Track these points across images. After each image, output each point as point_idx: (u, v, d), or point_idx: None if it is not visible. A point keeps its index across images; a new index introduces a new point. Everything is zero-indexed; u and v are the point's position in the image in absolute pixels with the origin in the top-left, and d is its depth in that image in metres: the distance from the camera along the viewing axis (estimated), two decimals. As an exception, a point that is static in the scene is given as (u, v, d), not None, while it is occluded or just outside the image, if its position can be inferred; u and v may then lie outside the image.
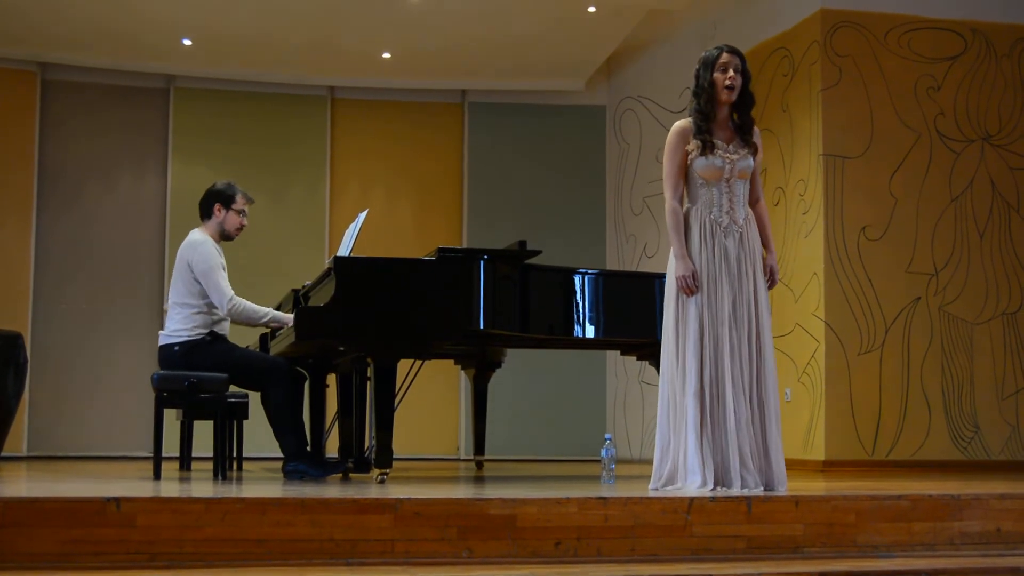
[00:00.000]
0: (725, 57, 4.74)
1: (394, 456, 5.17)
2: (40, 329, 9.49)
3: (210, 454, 5.71)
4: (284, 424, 5.57)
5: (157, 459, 5.41)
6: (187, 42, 9.33)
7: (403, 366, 5.44)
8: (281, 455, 5.63)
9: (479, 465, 7.26)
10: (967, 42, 8.06)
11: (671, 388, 4.66)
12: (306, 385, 6.11)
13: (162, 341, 5.74)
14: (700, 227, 4.71)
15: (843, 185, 7.75)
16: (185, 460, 6.48)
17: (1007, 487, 4.75)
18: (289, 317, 5.66)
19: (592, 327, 5.67)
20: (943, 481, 5.83)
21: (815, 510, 3.99)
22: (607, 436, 5.36)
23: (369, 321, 5.05)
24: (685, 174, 4.77)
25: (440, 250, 5.21)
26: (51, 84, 9.77)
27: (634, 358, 6.79)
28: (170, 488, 4.49)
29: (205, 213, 5.91)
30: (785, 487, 4.56)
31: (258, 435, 6.70)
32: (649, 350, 6.07)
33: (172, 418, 6.31)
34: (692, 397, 4.55)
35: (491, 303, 5.18)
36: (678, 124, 4.80)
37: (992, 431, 7.85)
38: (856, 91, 7.85)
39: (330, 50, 9.56)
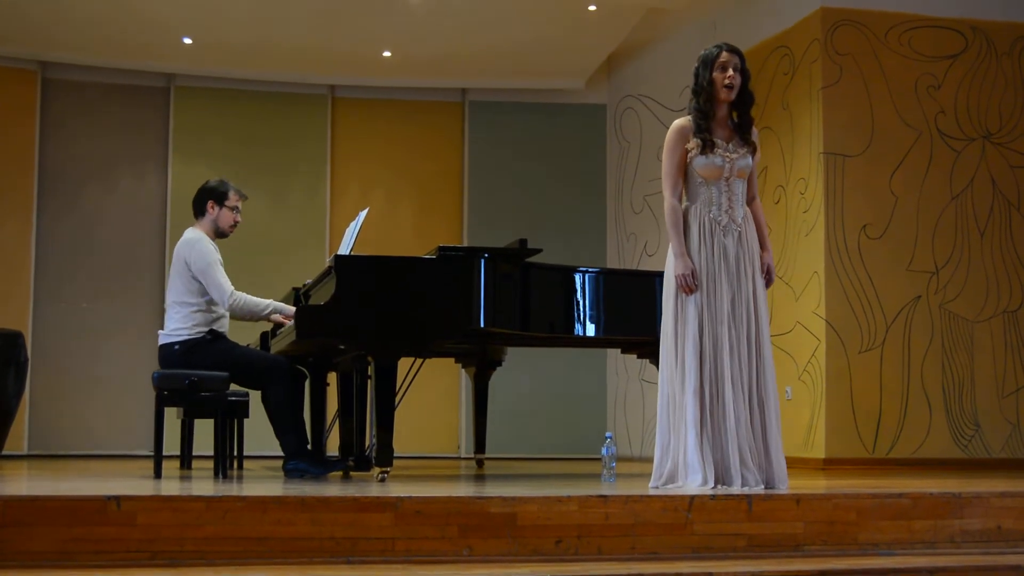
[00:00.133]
0: (724, 56, 4.74)
1: (395, 454, 5.17)
2: (40, 328, 9.48)
3: (211, 453, 5.71)
4: (284, 422, 5.57)
5: (158, 458, 5.41)
6: (188, 41, 9.33)
7: (404, 364, 5.43)
8: (282, 453, 5.63)
9: (480, 463, 7.26)
10: (967, 40, 8.06)
11: (670, 387, 4.66)
12: (307, 384, 6.11)
13: (162, 340, 5.74)
14: (699, 226, 4.71)
15: (844, 183, 7.75)
16: (186, 459, 6.48)
17: (1008, 485, 4.75)
18: (292, 309, 5.67)
19: (593, 325, 5.67)
20: (944, 479, 5.83)
21: (816, 508, 3.99)
22: (607, 434, 5.36)
23: (369, 319, 5.05)
24: (684, 172, 4.77)
25: (441, 248, 5.21)
26: (51, 83, 9.76)
27: (634, 356, 6.79)
28: (171, 487, 4.49)
29: (199, 211, 5.92)
30: (786, 485, 4.56)
31: (259, 434, 6.69)
32: (649, 348, 6.06)
33: (173, 417, 6.31)
34: (691, 395, 4.55)
35: (492, 301, 5.18)
36: (677, 122, 4.80)
37: (993, 429, 7.85)
38: (856, 89, 7.85)
39: (330, 49, 9.56)
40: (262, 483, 5.04)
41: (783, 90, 8.21)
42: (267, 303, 5.74)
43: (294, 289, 6.30)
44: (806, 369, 7.78)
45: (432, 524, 3.63)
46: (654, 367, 5.00)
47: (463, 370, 7.56)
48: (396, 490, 4.11)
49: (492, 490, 4.36)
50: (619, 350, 6.81)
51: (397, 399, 5.27)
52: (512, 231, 7.32)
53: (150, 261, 9.80)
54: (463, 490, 4.37)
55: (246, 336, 6.67)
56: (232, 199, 5.91)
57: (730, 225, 4.72)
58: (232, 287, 5.67)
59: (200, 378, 5.48)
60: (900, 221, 7.85)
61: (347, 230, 5.98)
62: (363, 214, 5.88)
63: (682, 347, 4.63)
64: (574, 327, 5.61)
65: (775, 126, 8.25)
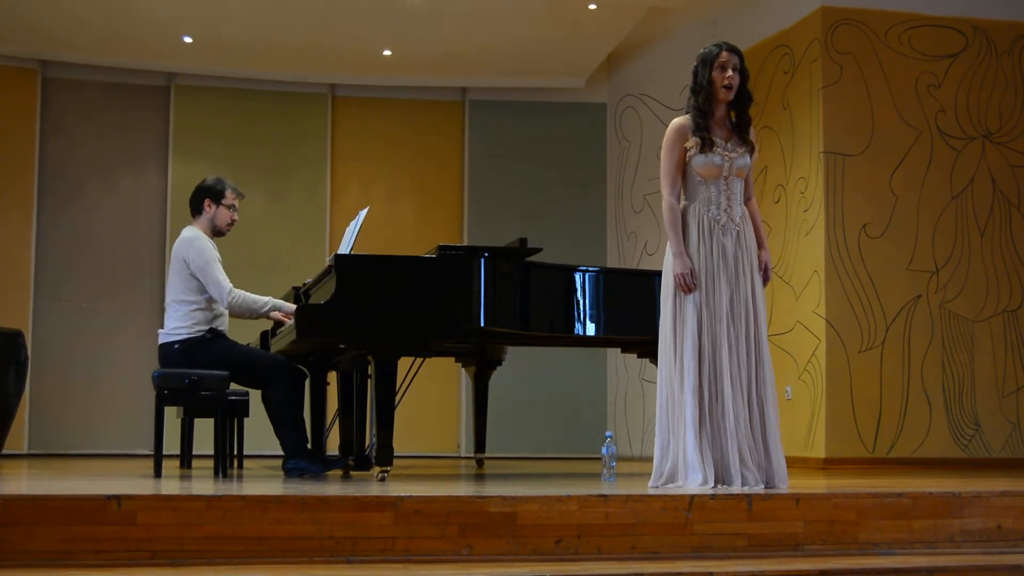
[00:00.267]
0: (724, 56, 4.73)
1: (395, 454, 5.17)
2: (41, 327, 9.49)
3: (211, 452, 5.71)
4: (284, 421, 5.57)
5: (158, 457, 5.41)
6: (188, 40, 9.33)
7: (404, 364, 5.43)
8: (281, 453, 5.63)
9: (480, 463, 7.26)
10: (968, 39, 8.06)
11: (669, 386, 4.66)
12: (307, 383, 6.11)
13: (162, 339, 5.74)
14: (698, 225, 4.72)
15: (844, 183, 7.75)
16: (186, 458, 6.48)
17: (1008, 484, 4.75)
18: (291, 306, 5.67)
19: (593, 325, 5.67)
20: (944, 479, 5.83)
21: (816, 508, 3.99)
22: (608, 434, 5.36)
23: (369, 319, 5.05)
24: (683, 171, 4.77)
25: (441, 248, 5.21)
26: (51, 82, 9.76)
27: (635, 355, 6.79)
28: (171, 486, 4.49)
29: (195, 209, 5.92)
30: (786, 484, 4.56)
31: (259, 433, 6.70)
32: (650, 348, 6.05)
33: (173, 416, 6.31)
34: (690, 395, 4.55)
35: (491, 301, 5.18)
36: (676, 121, 4.81)
37: (993, 429, 7.85)
38: (857, 89, 7.85)
39: (331, 48, 9.55)
40: (262, 482, 5.05)
41: (783, 89, 8.21)
42: (266, 300, 5.75)
43: (294, 288, 6.30)
44: (806, 368, 7.78)
45: (432, 523, 3.63)
46: (654, 366, 5.00)
47: (463, 369, 7.56)
48: (396, 489, 4.11)
49: (492, 489, 4.36)
50: (619, 349, 6.81)
51: (397, 398, 5.27)
52: (512, 230, 7.33)
53: (150, 260, 9.80)
54: (463, 489, 4.38)
55: (246, 335, 6.67)
56: (229, 197, 5.91)
57: (729, 224, 4.72)
58: (231, 284, 5.67)
59: (200, 377, 5.48)
60: (900, 220, 7.85)
61: (347, 229, 5.98)
62: (363, 213, 5.88)
63: (681, 346, 4.63)
64: (574, 326, 5.61)
65: (775, 125, 8.25)
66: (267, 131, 10.04)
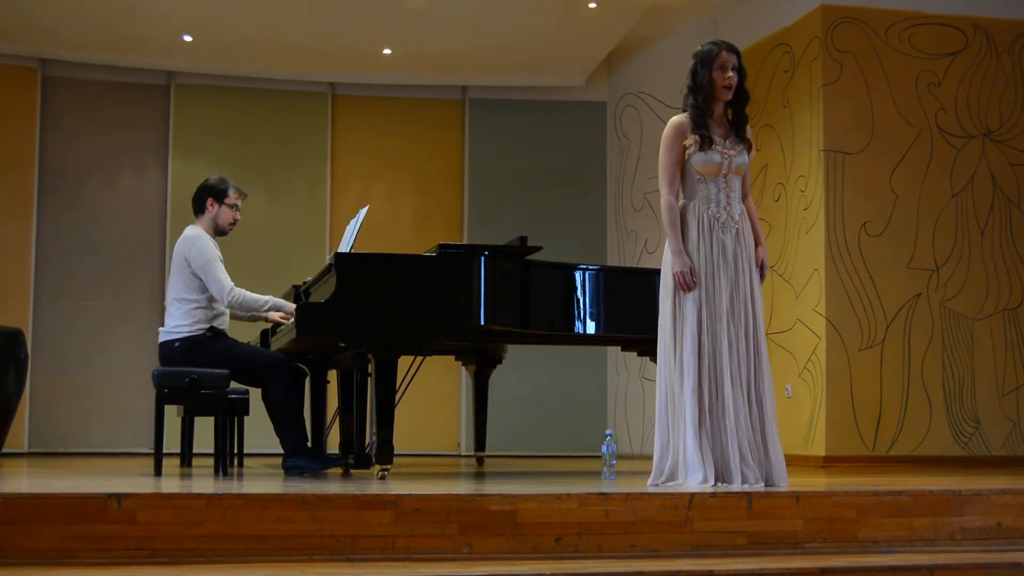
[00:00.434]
0: (723, 56, 4.73)
1: (395, 452, 5.17)
2: (41, 325, 9.49)
3: (211, 450, 5.71)
4: (284, 420, 5.57)
5: (158, 455, 5.41)
6: (188, 38, 9.32)
7: (404, 362, 5.44)
8: (282, 451, 5.63)
9: (480, 461, 7.26)
10: (968, 38, 8.06)
11: (669, 385, 4.67)
12: (307, 381, 6.11)
13: (162, 337, 5.74)
14: (698, 223, 4.72)
15: (844, 181, 7.75)
16: (186, 456, 6.48)
17: (1008, 482, 4.75)
18: (291, 305, 5.68)
19: (593, 323, 5.67)
20: (944, 476, 5.83)
21: (816, 506, 3.99)
22: (608, 432, 5.36)
23: (370, 317, 5.06)
24: (682, 169, 4.78)
25: (441, 246, 5.21)
26: (51, 80, 9.76)
27: (635, 354, 6.79)
28: (171, 484, 4.50)
29: (198, 208, 5.92)
30: (785, 482, 4.56)
31: (259, 431, 6.70)
32: (650, 346, 6.03)
33: (173, 414, 6.31)
34: (690, 393, 4.55)
35: (491, 299, 5.18)
36: (675, 119, 4.81)
37: (993, 427, 7.85)
38: (857, 87, 7.85)
39: (331, 47, 9.55)
40: (262, 481, 5.05)
41: (783, 88, 8.21)
42: (266, 299, 5.76)
43: (294, 287, 6.30)
44: (806, 367, 7.78)
45: (432, 522, 3.63)
46: (654, 364, 5.00)
47: (463, 368, 7.56)
48: (396, 488, 4.11)
49: (492, 488, 4.37)
50: (619, 348, 6.80)
51: (397, 397, 5.27)
52: (512, 229, 7.32)
53: (150, 258, 9.80)
54: (463, 488, 4.38)
55: (246, 334, 6.67)
56: (232, 197, 5.91)
57: (728, 222, 4.72)
58: (232, 283, 5.67)
59: (200, 376, 5.48)
60: (900, 218, 7.85)
61: (347, 228, 5.99)
62: (363, 212, 5.88)
63: (681, 345, 4.63)
64: (574, 325, 5.61)
65: (775, 124, 8.25)
66: (267, 129, 10.03)
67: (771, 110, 8.30)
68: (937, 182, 7.93)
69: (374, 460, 5.14)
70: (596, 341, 7.27)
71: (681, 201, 4.80)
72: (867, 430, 7.62)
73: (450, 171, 10.35)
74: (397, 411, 5.23)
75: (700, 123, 4.74)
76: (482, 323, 5.17)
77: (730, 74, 4.72)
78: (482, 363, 7.09)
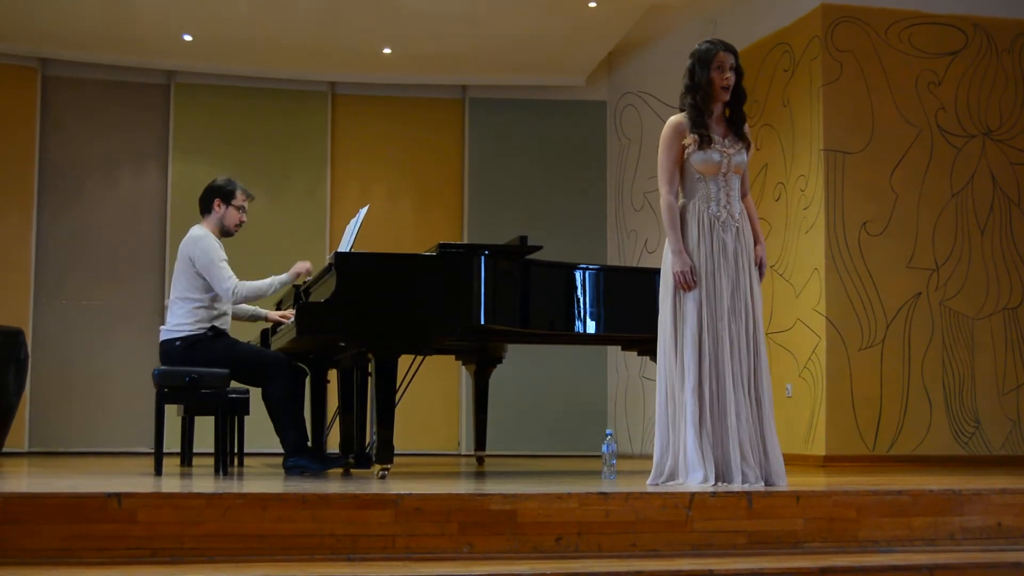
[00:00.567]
0: (721, 56, 4.73)
1: (395, 451, 5.17)
2: (41, 325, 9.49)
3: (211, 450, 5.72)
4: (285, 419, 5.57)
5: (158, 455, 5.41)
6: (188, 38, 9.32)
7: (404, 362, 5.43)
8: (282, 451, 5.63)
9: (480, 461, 7.26)
10: (968, 37, 8.06)
11: (669, 384, 4.67)
12: (307, 380, 6.11)
13: (163, 336, 5.75)
14: (698, 222, 4.72)
15: (844, 180, 7.75)
16: (186, 456, 6.48)
17: (1008, 482, 4.75)
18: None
19: (593, 323, 5.67)
20: (944, 476, 5.83)
21: (816, 505, 3.99)
22: (608, 432, 5.36)
23: (370, 317, 5.06)
24: (681, 169, 4.78)
25: (441, 246, 5.21)
26: (51, 80, 9.76)
27: (635, 353, 6.79)
28: (171, 484, 4.50)
29: (205, 208, 5.93)
30: (784, 481, 4.56)
31: (259, 431, 6.70)
32: (650, 345, 6.03)
33: (173, 414, 6.32)
34: (691, 393, 4.55)
35: (492, 299, 5.18)
36: (673, 119, 4.81)
37: (993, 426, 7.85)
38: (857, 86, 7.84)
39: (331, 46, 9.55)
40: (262, 480, 5.05)
41: (783, 87, 8.20)
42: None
43: (294, 286, 6.30)
44: (806, 366, 7.78)
45: (432, 521, 3.63)
46: (654, 364, 5.01)
47: (463, 367, 7.56)
48: (396, 487, 4.11)
49: (492, 487, 4.37)
50: (619, 347, 6.80)
51: (397, 396, 5.27)
52: (512, 228, 7.32)
53: (150, 258, 9.80)
54: (463, 487, 4.38)
55: (246, 333, 6.68)
56: (239, 198, 5.93)
57: (728, 220, 4.73)
58: (236, 281, 5.68)
59: (200, 375, 5.48)
60: (900, 218, 7.85)
61: (347, 227, 5.99)
62: (363, 211, 5.89)
63: (681, 344, 4.63)
64: (574, 324, 5.61)
65: (775, 123, 8.25)
66: (267, 129, 10.03)
67: (771, 110, 8.30)
68: (937, 182, 7.93)
69: (374, 460, 5.14)
70: (596, 341, 7.27)
71: (681, 200, 4.80)
72: (867, 430, 7.63)
73: (450, 171, 10.35)
74: (397, 411, 5.23)
75: (698, 122, 4.74)
76: (482, 323, 5.17)
77: (728, 74, 4.72)
78: (482, 363, 7.09)
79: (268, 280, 5.81)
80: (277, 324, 6.20)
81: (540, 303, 5.47)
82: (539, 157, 10.30)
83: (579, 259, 5.99)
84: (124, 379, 9.51)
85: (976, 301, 7.93)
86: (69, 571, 3.28)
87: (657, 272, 4.91)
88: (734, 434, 4.53)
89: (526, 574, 3.39)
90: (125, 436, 9.39)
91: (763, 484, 4.49)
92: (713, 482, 4.43)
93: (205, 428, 6.46)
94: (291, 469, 5.50)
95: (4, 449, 7.58)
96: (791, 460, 4.93)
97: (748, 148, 4.82)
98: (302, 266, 5.98)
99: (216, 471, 5.52)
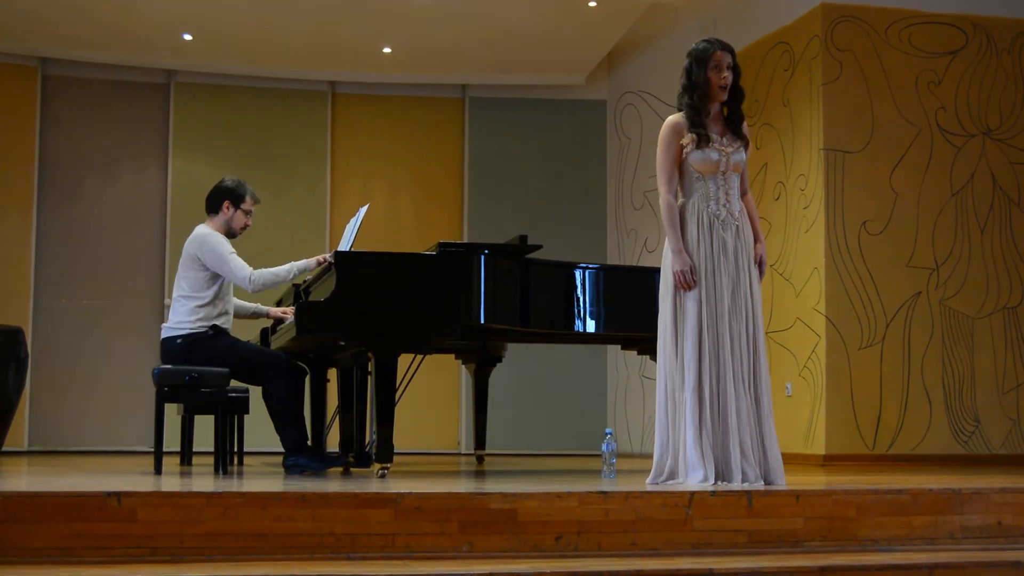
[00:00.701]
0: (718, 55, 4.73)
1: (395, 451, 5.17)
2: (41, 324, 9.49)
3: (211, 449, 5.72)
4: (285, 418, 5.57)
5: (158, 454, 5.41)
6: (187, 37, 9.32)
7: (404, 361, 5.43)
8: (282, 450, 5.63)
9: (480, 460, 7.26)
10: (968, 36, 8.06)
11: (669, 383, 4.66)
12: (307, 380, 6.11)
13: (165, 333, 5.75)
14: (698, 221, 4.72)
15: (844, 180, 7.75)
16: (186, 455, 6.48)
17: (1008, 481, 4.75)
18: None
19: (593, 322, 5.67)
20: (944, 475, 5.83)
21: (816, 504, 3.99)
22: (608, 431, 5.36)
23: (370, 316, 5.05)
24: (680, 168, 4.78)
25: (441, 244, 5.21)
26: (51, 79, 9.76)
27: (635, 352, 6.78)
28: (171, 483, 4.49)
29: (213, 208, 5.92)
30: (783, 479, 4.56)
31: (259, 430, 6.70)
32: (650, 344, 6.03)
33: (173, 413, 6.31)
34: (691, 392, 4.55)
35: (492, 298, 5.18)
36: (671, 118, 4.81)
37: (993, 425, 7.85)
38: (857, 86, 7.84)
39: (331, 45, 9.55)
40: (262, 479, 5.05)
41: (783, 86, 8.20)
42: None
43: (294, 285, 6.30)
44: (806, 365, 7.78)
45: (432, 520, 3.63)
46: (654, 363, 5.01)
47: (463, 366, 7.56)
48: (396, 486, 4.11)
49: (492, 486, 4.37)
50: (619, 346, 6.80)
51: (397, 395, 5.27)
52: (512, 227, 7.33)
53: (150, 257, 9.80)
54: (463, 486, 4.38)
55: (247, 333, 6.67)
56: (248, 203, 5.95)
57: (728, 219, 4.72)
58: (250, 269, 5.68)
59: (200, 374, 5.48)
60: (900, 217, 7.84)
61: (347, 226, 5.99)
62: (363, 210, 5.89)
63: (681, 343, 4.63)
64: (574, 323, 5.61)
65: (775, 122, 8.25)
66: (267, 128, 10.04)
67: (771, 109, 8.30)
68: (937, 181, 7.93)
69: (374, 458, 5.14)
70: (596, 340, 7.27)
71: (680, 200, 4.80)
72: (867, 429, 7.63)
73: (450, 169, 10.36)
74: (397, 409, 5.23)
75: (696, 121, 4.74)
76: (482, 322, 5.17)
77: (725, 73, 4.72)
78: (482, 362, 7.09)
79: (287, 265, 5.79)
80: (278, 322, 6.20)
81: (540, 302, 5.47)
82: (539, 156, 10.31)
83: (579, 258, 5.99)
84: (124, 378, 9.51)
85: (976, 300, 7.93)
86: (69, 570, 3.27)
87: (657, 271, 4.91)
88: (734, 433, 4.53)
89: (526, 573, 3.39)
90: (125, 435, 9.40)
91: (763, 483, 4.49)
92: (713, 481, 4.43)
93: (205, 427, 6.46)
94: (291, 468, 5.50)
95: (4, 448, 7.58)
96: (791, 459, 4.93)
97: (747, 146, 4.82)
98: (324, 256, 5.92)
99: (216, 470, 5.52)
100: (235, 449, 6.59)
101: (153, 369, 5.54)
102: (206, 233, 5.79)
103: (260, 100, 10.07)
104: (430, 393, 9.34)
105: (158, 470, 5.35)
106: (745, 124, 4.85)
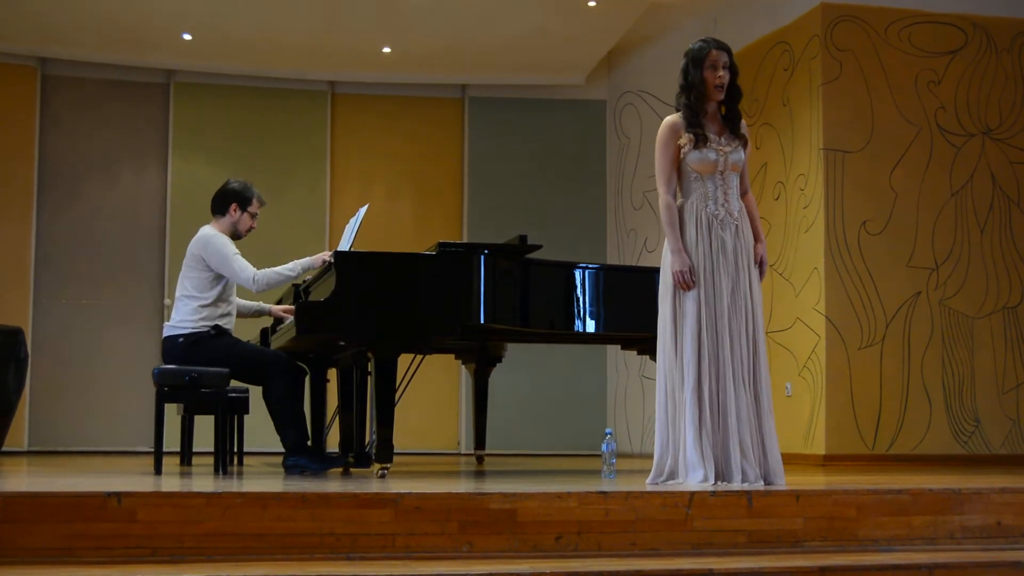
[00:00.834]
0: (714, 55, 4.72)
1: (395, 451, 5.17)
2: (41, 324, 9.49)
3: (211, 449, 5.72)
4: (285, 418, 5.57)
5: (158, 454, 5.41)
6: (187, 37, 9.32)
7: (404, 361, 5.43)
8: (281, 450, 5.64)
9: (480, 460, 7.26)
10: (967, 36, 8.06)
11: (669, 383, 4.66)
12: (307, 380, 6.11)
13: (166, 332, 5.75)
14: (696, 221, 4.71)
15: (844, 179, 7.75)
16: (186, 455, 6.48)
17: (1007, 481, 4.75)
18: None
19: (593, 321, 5.66)
20: (943, 475, 5.83)
21: (816, 504, 3.99)
22: (607, 431, 5.36)
23: (369, 316, 5.05)
24: (678, 168, 4.77)
25: (440, 244, 5.21)
26: (51, 79, 9.76)
27: (634, 352, 6.78)
28: (171, 483, 4.49)
29: (219, 210, 5.92)
30: (783, 480, 4.56)
31: (259, 430, 6.70)
32: (650, 344, 6.02)
33: (173, 413, 6.32)
34: (691, 392, 4.55)
35: (491, 298, 5.18)
36: (668, 119, 4.81)
37: (993, 425, 7.85)
38: (856, 85, 7.84)
39: (330, 45, 9.55)
40: (262, 479, 5.04)
41: (783, 86, 8.20)
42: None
43: (294, 285, 6.31)
44: (806, 365, 7.78)
45: (432, 520, 3.63)
46: (654, 363, 5.01)
47: (463, 366, 7.56)
48: (396, 486, 4.11)
49: (492, 486, 4.37)
50: (619, 346, 6.80)
51: (397, 395, 5.27)
52: (512, 227, 7.32)
53: (150, 257, 9.80)
54: (463, 486, 4.38)
55: (247, 333, 6.67)
56: (255, 205, 5.96)
57: (727, 219, 4.72)
58: (254, 270, 5.69)
59: (200, 374, 5.48)
60: (900, 217, 7.85)
61: (347, 226, 5.99)
62: (363, 210, 5.89)
63: (681, 343, 4.63)
64: (574, 323, 5.61)
65: (775, 122, 8.25)
66: (267, 128, 10.04)
67: (771, 109, 8.30)
68: (937, 180, 7.93)
69: (374, 459, 5.14)
70: (596, 340, 7.27)
71: (679, 200, 4.80)
72: (867, 429, 7.63)
73: (450, 170, 10.36)
74: (397, 410, 5.23)
75: (693, 121, 4.74)
76: (482, 322, 5.17)
77: (721, 73, 4.72)
78: (482, 362, 7.09)
79: (291, 264, 5.79)
80: (278, 322, 6.20)
81: (540, 302, 5.47)
82: (539, 156, 10.31)
83: (579, 258, 5.99)
84: (124, 378, 9.51)
85: (976, 300, 7.93)
86: (69, 570, 3.27)
87: (656, 271, 4.90)
88: (734, 433, 4.53)
89: (526, 573, 3.39)
90: (125, 435, 9.40)
91: (763, 483, 4.49)
92: (713, 481, 4.43)
93: (205, 427, 6.46)
94: (291, 468, 5.50)
95: (4, 448, 7.58)
96: (791, 459, 4.93)
97: (745, 146, 4.81)
98: (328, 255, 5.92)
99: (216, 470, 5.52)
100: (235, 449, 6.59)
101: (153, 369, 5.55)
102: (211, 234, 5.79)
103: (260, 100, 10.07)
104: (430, 393, 9.35)
105: (158, 470, 5.35)
106: (743, 123, 4.85)
